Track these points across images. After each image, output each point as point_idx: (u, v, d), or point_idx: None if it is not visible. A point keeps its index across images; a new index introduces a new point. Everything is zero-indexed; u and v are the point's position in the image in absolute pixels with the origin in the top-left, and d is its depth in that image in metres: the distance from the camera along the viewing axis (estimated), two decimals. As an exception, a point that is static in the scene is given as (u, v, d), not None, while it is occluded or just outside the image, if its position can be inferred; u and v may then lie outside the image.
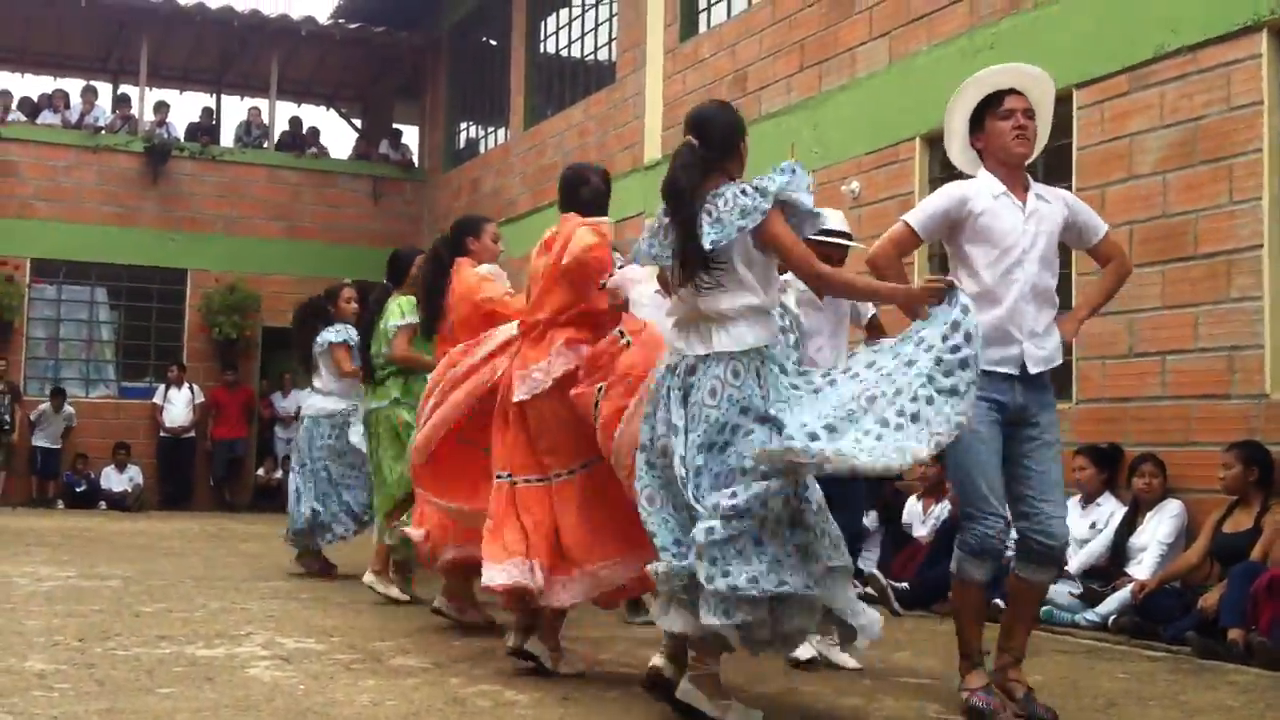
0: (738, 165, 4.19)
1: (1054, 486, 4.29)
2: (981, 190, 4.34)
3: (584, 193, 5.18)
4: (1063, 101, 6.29)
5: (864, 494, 5.89)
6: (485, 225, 6.41)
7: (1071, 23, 7.80)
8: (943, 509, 7.89)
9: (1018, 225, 4.29)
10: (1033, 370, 4.27)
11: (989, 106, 4.38)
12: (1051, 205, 4.39)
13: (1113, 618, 6.50)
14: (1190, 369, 6.87)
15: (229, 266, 16.72)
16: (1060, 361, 4.40)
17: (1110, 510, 7.08)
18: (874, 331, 5.72)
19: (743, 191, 3.95)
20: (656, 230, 4.18)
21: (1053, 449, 4.33)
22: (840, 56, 9.84)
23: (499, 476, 4.91)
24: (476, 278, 5.99)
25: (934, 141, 9.04)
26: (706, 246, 3.90)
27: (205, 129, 17.76)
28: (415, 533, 5.86)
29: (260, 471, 16.68)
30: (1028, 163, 4.44)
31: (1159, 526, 6.74)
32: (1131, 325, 7.20)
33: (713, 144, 4.13)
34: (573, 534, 4.72)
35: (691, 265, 3.96)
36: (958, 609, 4.45)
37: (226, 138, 18.06)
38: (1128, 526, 6.88)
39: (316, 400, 8.49)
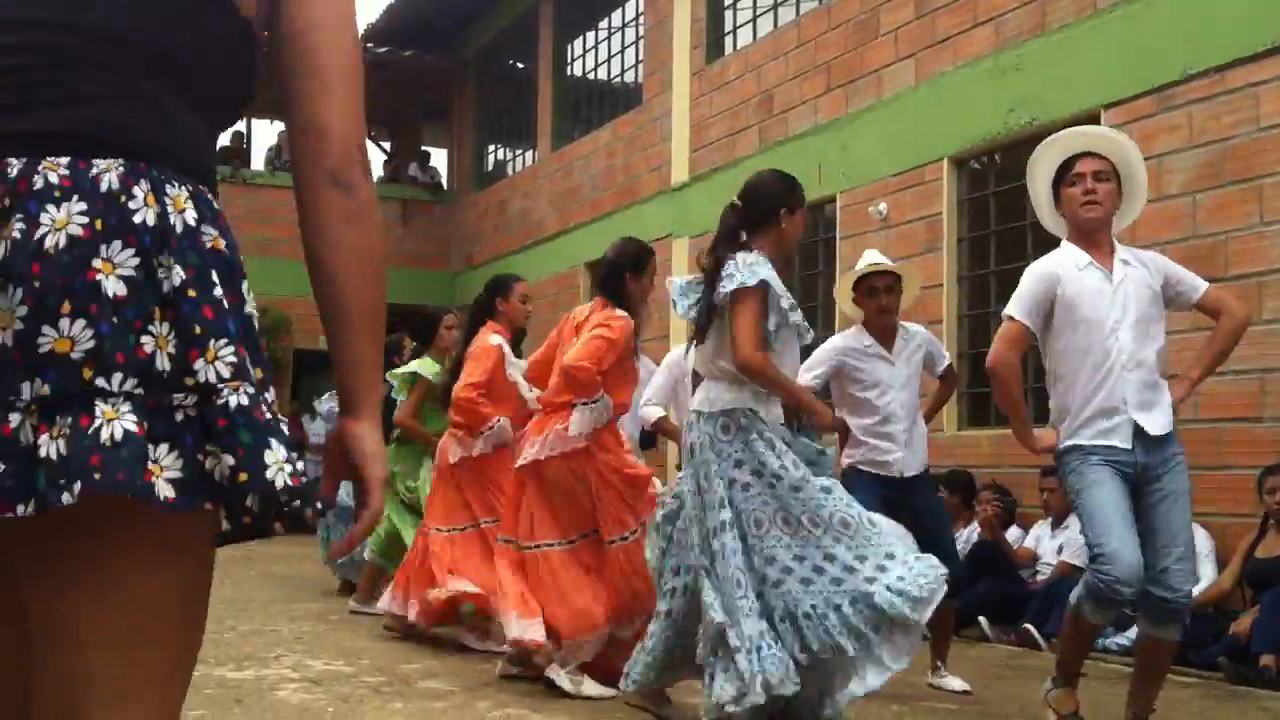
0: (774, 234, 4.29)
1: (1175, 540, 4.13)
2: (1066, 263, 4.25)
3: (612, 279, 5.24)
4: (1090, 123, 6.28)
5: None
6: (514, 286, 6.47)
7: (1098, 44, 7.79)
8: (971, 532, 7.85)
9: (1107, 295, 4.18)
10: (1153, 432, 4.15)
11: (1062, 174, 4.31)
12: (1140, 270, 4.26)
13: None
14: (1222, 392, 6.82)
15: (261, 289, 16.47)
16: (1169, 429, 4.23)
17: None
18: (947, 383, 5.70)
19: (744, 263, 4.11)
20: (686, 289, 4.34)
21: (1178, 500, 4.18)
22: (866, 78, 9.85)
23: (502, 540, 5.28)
24: (472, 362, 6.12)
25: (961, 162, 9.05)
26: (715, 301, 4.14)
27: (236, 152, 17.93)
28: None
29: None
30: (1120, 228, 4.37)
31: (1197, 557, 6.65)
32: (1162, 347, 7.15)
33: (751, 210, 4.29)
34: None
35: (700, 323, 4.23)
36: (1064, 632, 4.39)
37: (257, 161, 18.22)
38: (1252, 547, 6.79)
39: None
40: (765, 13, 11.50)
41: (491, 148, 18.08)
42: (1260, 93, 6.76)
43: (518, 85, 16.94)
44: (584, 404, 4.92)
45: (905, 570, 3.91)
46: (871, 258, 5.47)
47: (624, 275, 5.12)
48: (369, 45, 17.66)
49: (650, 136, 13.05)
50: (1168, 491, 4.16)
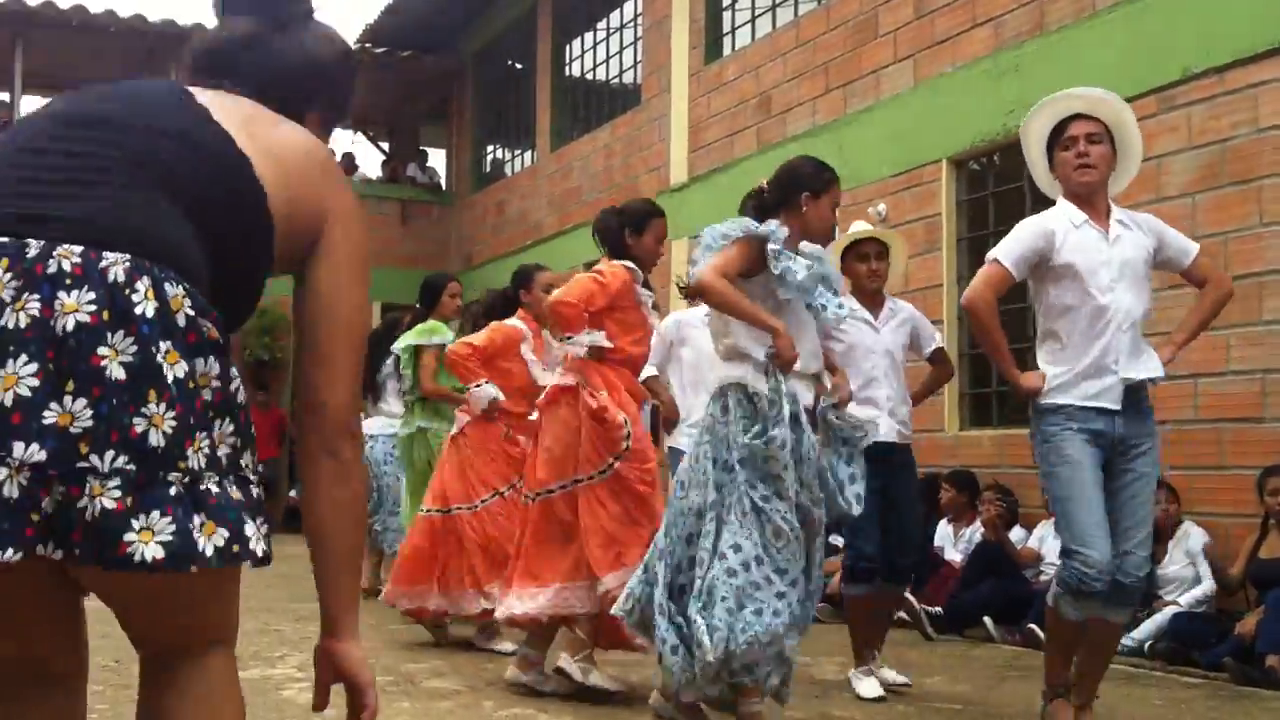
0: (797, 218, 4.23)
1: (1139, 526, 4.16)
2: (1062, 219, 4.25)
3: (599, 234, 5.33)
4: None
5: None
6: (537, 276, 6.51)
7: (1098, 44, 7.81)
8: (974, 532, 7.87)
9: (1104, 253, 4.19)
10: (1137, 378, 4.14)
11: (1057, 136, 4.31)
12: (1135, 231, 4.28)
13: (1149, 643, 6.45)
14: (1222, 392, 6.85)
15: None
16: (1162, 375, 4.24)
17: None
18: (940, 366, 5.70)
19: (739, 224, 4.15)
20: None
21: (1147, 485, 4.22)
22: (865, 79, 9.87)
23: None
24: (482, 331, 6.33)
25: (960, 163, 9.07)
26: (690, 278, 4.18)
27: (236, 153, 17.92)
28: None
29: (293, 493, 16.76)
30: (1117, 190, 4.37)
31: (1194, 559, 6.67)
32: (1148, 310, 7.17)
33: (775, 191, 4.31)
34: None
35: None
36: (1049, 639, 4.39)
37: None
38: (1152, 557, 6.83)
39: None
40: (764, 14, 11.51)
41: (490, 148, 18.09)
42: (1260, 94, 6.78)
43: (516, 85, 16.95)
44: (568, 338, 4.98)
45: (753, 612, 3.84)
46: (861, 225, 5.55)
47: (622, 233, 5.14)
48: (367, 45, 17.68)
49: (648, 137, 13.07)
50: (1139, 473, 4.19)
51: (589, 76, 15.16)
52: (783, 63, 10.88)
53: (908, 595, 7.40)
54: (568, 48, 15.54)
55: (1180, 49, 7.25)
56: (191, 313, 1.50)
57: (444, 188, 18.52)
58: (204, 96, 1.68)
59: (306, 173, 1.68)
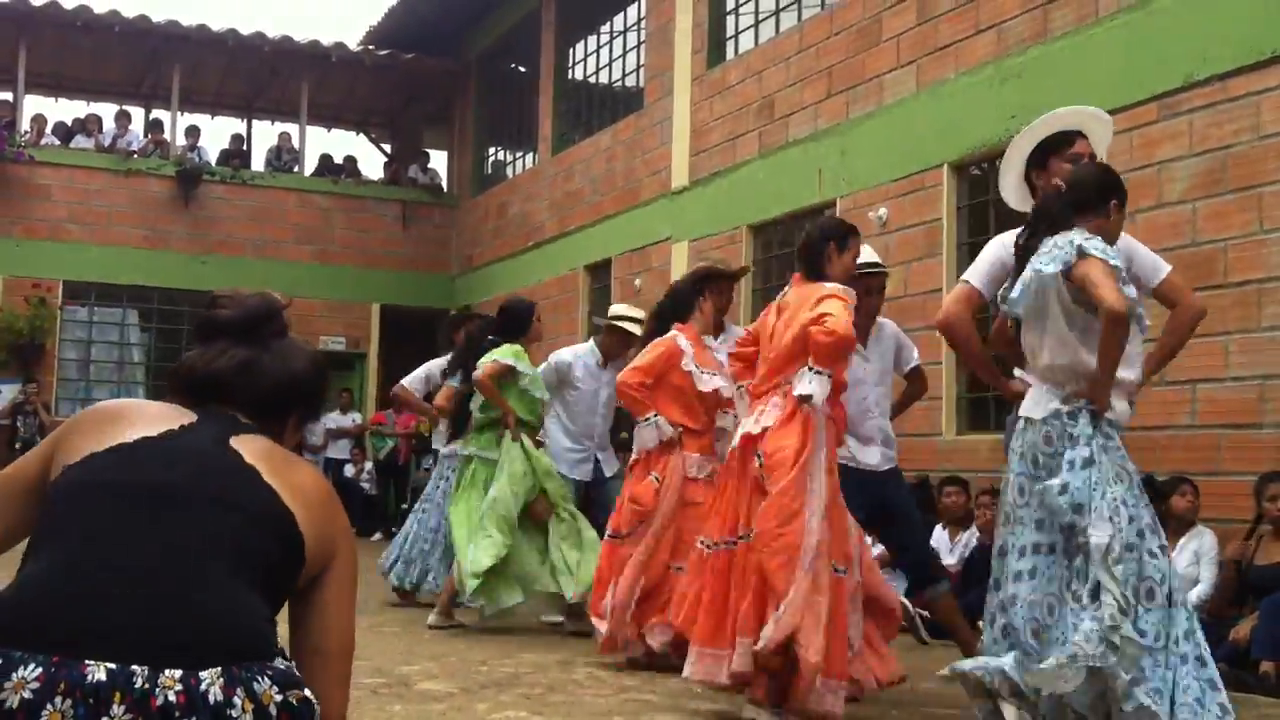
0: (1099, 225, 3.87)
1: None
2: None
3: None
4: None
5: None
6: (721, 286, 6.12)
7: (1100, 51, 7.80)
8: (970, 537, 7.86)
9: None
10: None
11: (1056, 147, 4.27)
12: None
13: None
14: (1220, 398, 6.84)
15: (259, 289, 16.77)
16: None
17: None
18: (916, 382, 5.69)
19: (1078, 235, 3.75)
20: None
21: None
22: (868, 84, 9.87)
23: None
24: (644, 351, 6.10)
25: (961, 169, 9.06)
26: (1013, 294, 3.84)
27: (236, 153, 17.92)
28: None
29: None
30: None
31: (1200, 559, 6.65)
32: (1160, 353, 7.17)
33: (1078, 194, 3.93)
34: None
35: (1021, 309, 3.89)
36: None
37: (257, 162, 18.23)
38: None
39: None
40: (767, 18, 11.51)
41: (492, 150, 18.09)
42: (1261, 101, 6.77)
43: (519, 88, 16.95)
44: (819, 372, 4.51)
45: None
46: (869, 255, 5.43)
47: (826, 248, 4.78)
48: (370, 47, 17.70)
49: (651, 140, 13.06)
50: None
51: (592, 79, 15.17)
52: (785, 67, 10.88)
53: (904, 600, 7.40)
54: (571, 51, 15.55)
55: (1182, 56, 7.24)
56: (280, 698, 1.73)
57: (445, 189, 18.53)
58: (241, 446, 1.94)
59: (324, 509, 1.96)
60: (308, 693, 1.79)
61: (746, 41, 11.78)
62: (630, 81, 14.17)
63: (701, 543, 4.80)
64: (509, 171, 17.36)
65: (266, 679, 1.73)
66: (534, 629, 7.15)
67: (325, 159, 18.28)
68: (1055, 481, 3.64)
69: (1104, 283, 3.59)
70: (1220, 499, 6.76)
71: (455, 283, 17.72)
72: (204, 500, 1.83)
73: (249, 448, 1.95)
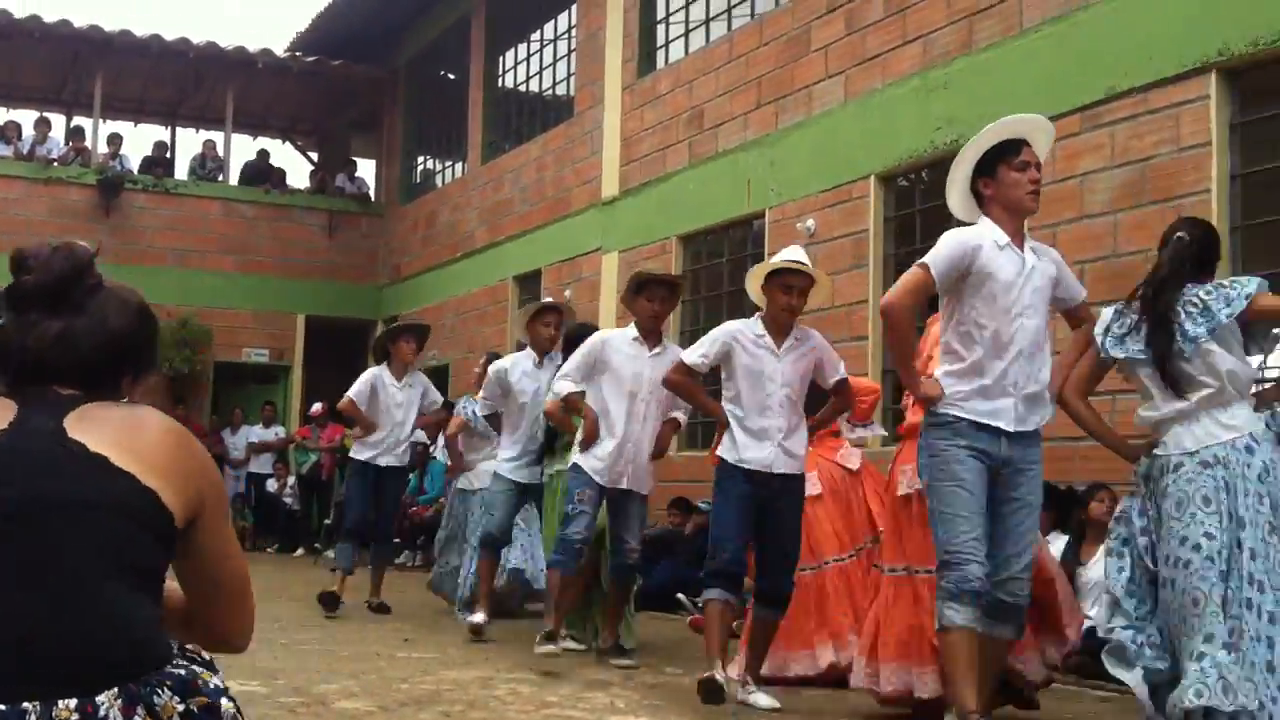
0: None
1: (1024, 552, 4.25)
2: (988, 238, 4.24)
3: None
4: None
5: None
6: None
7: (1024, 63, 7.86)
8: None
9: (1019, 279, 4.22)
10: (1020, 426, 4.20)
11: (1004, 154, 4.29)
12: (1043, 263, 4.33)
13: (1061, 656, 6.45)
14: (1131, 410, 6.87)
15: (181, 300, 16.51)
16: (1046, 418, 4.33)
17: (1061, 549, 7.05)
18: (840, 396, 5.62)
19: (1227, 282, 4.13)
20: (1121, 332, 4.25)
21: (1032, 513, 4.31)
22: (796, 94, 9.88)
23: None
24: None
25: (889, 180, 9.09)
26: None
27: (159, 162, 17.60)
28: None
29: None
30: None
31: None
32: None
33: (1203, 250, 4.25)
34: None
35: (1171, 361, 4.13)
36: (948, 665, 4.26)
37: (181, 171, 17.92)
38: (1075, 557, 6.84)
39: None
40: (697, 27, 11.50)
41: (421, 159, 17.94)
42: (1181, 113, 6.85)
43: (448, 96, 16.82)
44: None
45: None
46: (795, 254, 5.41)
47: None
48: (297, 54, 17.48)
49: (581, 150, 13.00)
50: (1024, 502, 4.27)
51: (522, 88, 15.09)
52: (715, 77, 10.87)
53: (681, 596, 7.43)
54: (500, 59, 15.46)
55: (1104, 69, 7.31)
56: (182, 707, 1.70)
57: (373, 198, 18.33)
58: (80, 432, 1.79)
59: (182, 463, 1.84)
60: (209, 697, 1.74)
61: (677, 51, 11.77)
62: (560, 90, 14.11)
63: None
64: (438, 180, 17.22)
65: (166, 690, 1.68)
66: (457, 645, 7.03)
67: (253, 164, 18.00)
68: None
69: None
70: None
71: (383, 293, 17.52)
72: (57, 508, 1.70)
73: (89, 431, 1.80)
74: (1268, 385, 4.39)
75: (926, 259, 4.26)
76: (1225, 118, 6.69)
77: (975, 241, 4.23)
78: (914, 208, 8.99)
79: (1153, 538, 4.11)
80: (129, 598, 1.71)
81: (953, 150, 8.23)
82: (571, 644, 6.79)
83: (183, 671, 1.74)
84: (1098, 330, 4.34)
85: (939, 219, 8.63)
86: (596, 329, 7.09)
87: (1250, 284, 4.07)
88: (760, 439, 5.25)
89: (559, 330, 7.58)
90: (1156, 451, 4.16)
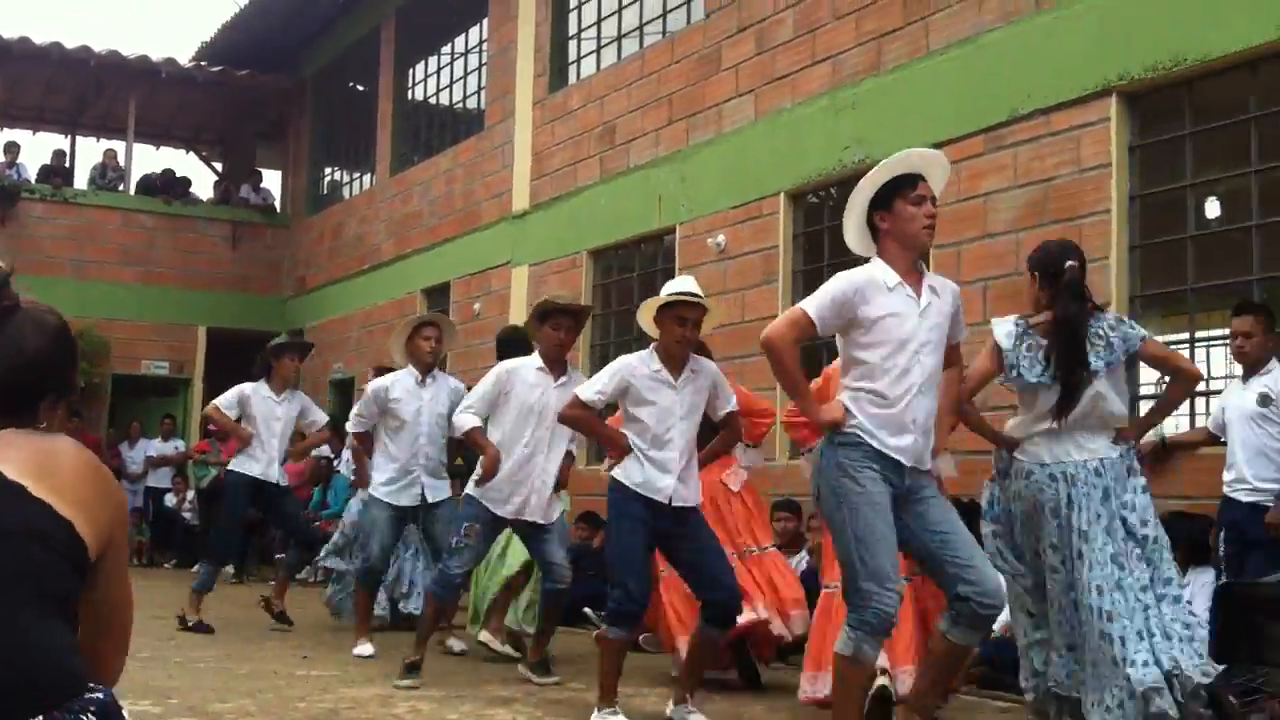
0: None
1: (974, 545, 4.22)
2: (877, 281, 4.17)
3: None
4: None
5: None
6: None
7: (930, 85, 7.97)
8: (800, 560, 7.87)
9: (913, 319, 4.16)
10: (916, 464, 4.19)
11: (900, 189, 4.22)
12: (942, 298, 4.28)
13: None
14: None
15: (79, 311, 15.98)
16: (928, 464, 4.31)
17: None
18: (730, 430, 5.60)
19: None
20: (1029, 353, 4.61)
21: (950, 508, 4.30)
22: (707, 111, 9.92)
23: None
24: None
25: (798, 197, 9.16)
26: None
27: (58, 170, 17.17)
28: None
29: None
30: None
31: None
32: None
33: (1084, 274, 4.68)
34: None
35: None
36: (846, 690, 4.18)
37: (81, 180, 17.49)
38: None
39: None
40: (609, 44, 11.51)
41: (328, 170, 17.72)
42: (1082, 135, 6.98)
43: (357, 107, 16.65)
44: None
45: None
46: (685, 285, 5.36)
47: None
48: (202, 63, 17.17)
49: (492, 163, 12.93)
50: (941, 503, 4.26)
51: (432, 100, 14.97)
52: (627, 93, 10.88)
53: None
54: (410, 71, 15.34)
55: (1008, 91, 7.43)
56: None
57: (278, 209, 18.06)
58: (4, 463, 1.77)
59: (95, 494, 1.84)
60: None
61: (588, 67, 11.76)
62: (471, 103, 14.03)
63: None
64: (345, 192, 17.02)
65: (90, 716, 1.68)
66: (357, 662, 6.89)
67: (156, 175, 17.62)
68: None
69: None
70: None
71: (287, 305, 17.25)
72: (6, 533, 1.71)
73: (7, 459, 1.78)
74: (1123, 426, 4.64)
75: (808, 305, 4.19)
76: (1125, 140, 6.84)
77: (860, 283, 4.16)
78: (823, 225, 9.06)
79: (1001, 530, 4.69)
80: (48, 625, 1.70)
81: (861, 169, 8.32)
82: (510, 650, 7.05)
83: (101, 695, 1.71)
84: (1005, 344, 4.53)
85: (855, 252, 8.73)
86: (525, 334, 6.96)
87: (1139, 327, 4.54)
88: (661, 470, 5.21)
89: (440, 344, 7.45)
90: (1017, 455, 4.62)
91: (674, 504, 5.21)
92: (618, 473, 5.27)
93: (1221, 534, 5.72)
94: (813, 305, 4.17)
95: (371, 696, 5.67)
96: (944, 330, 4.26)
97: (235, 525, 8.60)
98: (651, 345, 5.36)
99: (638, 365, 5.31)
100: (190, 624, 8.05)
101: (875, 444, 4.11)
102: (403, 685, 5.92)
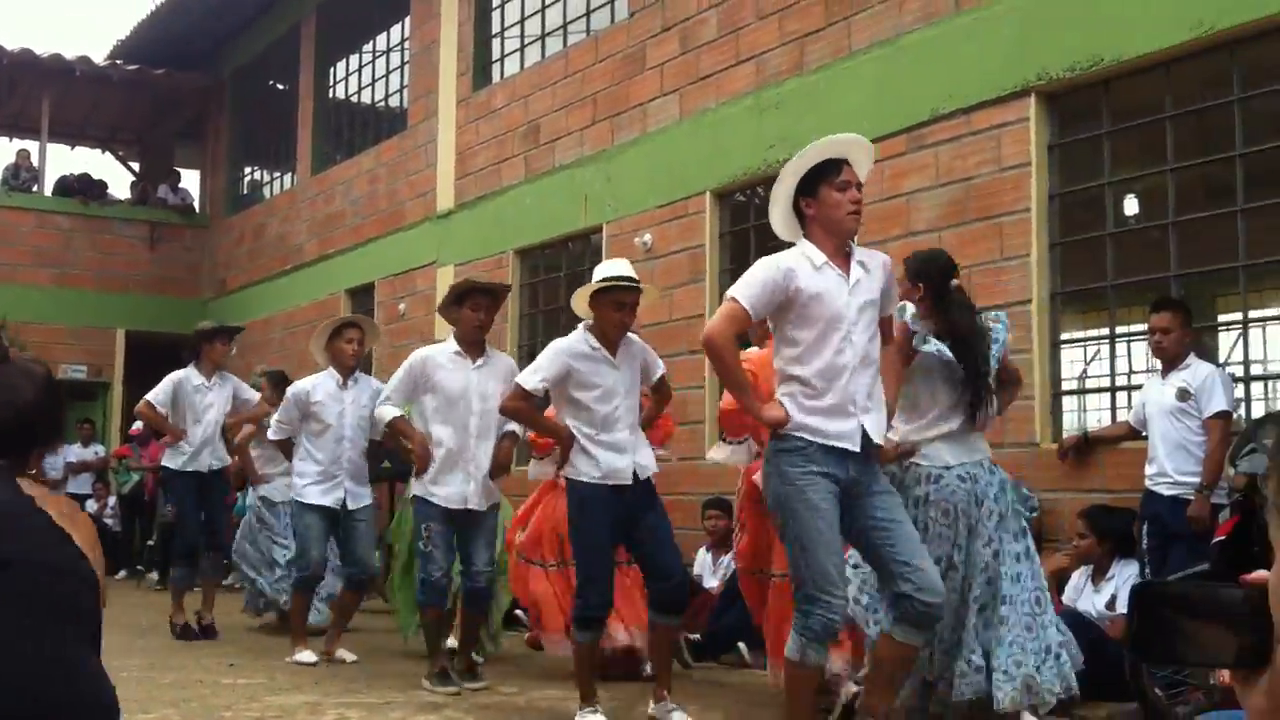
0: None
1: (919, 543, 4.23)
2: (802, 260, 4.20)
3: None
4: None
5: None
6: None
7: (853, 85, 8.03)
8: (730, 558, 7.90)
9: (843, 297, 4.18)
10: (876, 439, 4.23)
11: (824, 174, 4.24)
12: (872, 274, 4.30)
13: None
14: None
15: None
16: (884, 430, 4.39)
17: None
18: (661, 394, 5.67)
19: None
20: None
21: (900, 504, 4.32)
22: (632, 111, 9.92)
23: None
24: None
25: (723, 196, 9.19)
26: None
27: (-32, 171, 16.76)
28: None
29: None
30: None
31: None
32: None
33: None
34: None
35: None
36: (795, 694, 4.24)
37: (-9, 180, 17.08)
38: None
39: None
40: (532, 42, 11.46)
41: (248, 170, 17.46)
42: (1002, 135, 7.08)
43: (277, 107, 16.42)
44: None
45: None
46: (619, 268, 5.38)
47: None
48: (117, 62, 16.84)
49: (415, 162, 12.82)
50: (901, 518, 4.25)
51: (353, 99, 14.81)
52: (551, 92, 10.84)
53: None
54: (331, 69, 15.16)
55: (929, 91, 7.51)
56: None
57: (197, 210, 17.76)
58: (38, 501, 1.87)
59: (94, 550, 1.92)
60: None
61: (512, 66, 11.71)
62: (394, 102, 13.90)
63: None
64: (266, 192, 16.79)
65: None
66: (284, 670, 6.81)
67: (72, 177, 17.25)
68: None
69: None
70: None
71: (208, 307, 16.96)
72: (39, 568, 1.80)
73: (45, 504, 1.89)
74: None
75: (735, 292, 4.21)
76: (1044, 139, 6.94)
77: (788, 265, 4.19)
78: (749, 223, 9.10)
79: None
80: (92, 660, 1.83)
81: (785, 167, 8.41)
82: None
83: None
84: (913, 324, 4.66)
85: (773, 235, 8.78)
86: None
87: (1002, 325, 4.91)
88: (617, 451, 5.19)
89: (362, 346, 7.38)
90: (917, 460, 4.68)
91: (640, 476, 5.21)
92: (571, 472, 5.24)
93: (1145, 527, 5.82)
94: (743, 293, 4.19)
95: (299, 704, 5.60)
96: (876, 306, 4.30)
97: (192, 517, 8.41)
98: (582, 325, 5.34)
99: (576, 345, 5.27)
100: (179, 628, 8.13)
101: (820, 440, 4.12)
102: (444, 690, 5.92)
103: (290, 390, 7.45)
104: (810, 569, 4.05)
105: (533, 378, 5.27)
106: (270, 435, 7.68)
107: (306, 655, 7.00)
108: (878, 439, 4.25)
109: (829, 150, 4.30)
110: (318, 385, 7.26)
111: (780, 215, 4.39)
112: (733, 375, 4.27)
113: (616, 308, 5.23)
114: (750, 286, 4.19)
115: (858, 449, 4.15)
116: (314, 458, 7.20)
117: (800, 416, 4.15)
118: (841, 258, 4.26)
